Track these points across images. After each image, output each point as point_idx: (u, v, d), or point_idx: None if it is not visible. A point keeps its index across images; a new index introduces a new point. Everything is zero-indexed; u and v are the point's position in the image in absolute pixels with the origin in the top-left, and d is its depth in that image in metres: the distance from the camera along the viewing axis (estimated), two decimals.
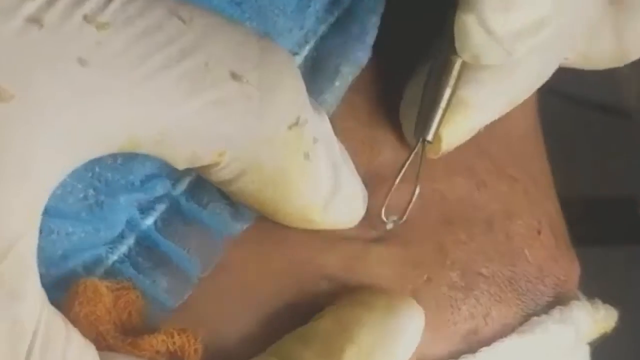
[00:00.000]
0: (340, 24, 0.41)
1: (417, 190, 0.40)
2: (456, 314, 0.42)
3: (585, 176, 0.93)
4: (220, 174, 0.36)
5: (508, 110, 0.41)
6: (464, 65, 0.40)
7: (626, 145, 0.93)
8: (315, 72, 0.40)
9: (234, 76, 0.34)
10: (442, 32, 0.40)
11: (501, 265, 0.43)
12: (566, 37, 0.40)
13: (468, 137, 0.41)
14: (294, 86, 0.36)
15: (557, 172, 0.49)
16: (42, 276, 0.34)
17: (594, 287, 0.47)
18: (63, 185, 0.36)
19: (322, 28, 0.41)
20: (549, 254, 0.45)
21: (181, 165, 0.35)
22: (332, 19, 0.41)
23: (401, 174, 0.40)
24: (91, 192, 0.37)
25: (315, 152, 0.37)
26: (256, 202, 0.37)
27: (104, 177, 0.37)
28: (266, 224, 0.40)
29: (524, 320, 0.43)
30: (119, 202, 0.38)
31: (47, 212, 0.34)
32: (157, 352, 0.37)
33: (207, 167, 0.36)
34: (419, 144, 0.40)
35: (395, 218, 0.41)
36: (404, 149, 0.42)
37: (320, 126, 0.38)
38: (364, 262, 0.41)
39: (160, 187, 0.39)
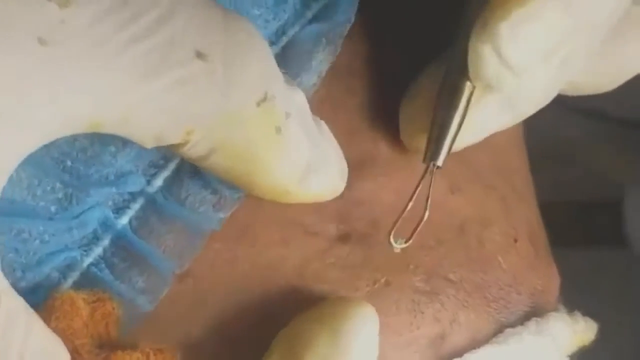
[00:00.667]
0: (319, 16, 0.41)
1: (426, 216, 0.40)
2: (419, 317, 0.41)
3: (569, 181, 0.93)
4: (191, 152, 0.36)
5: (514, 124, 0.42)
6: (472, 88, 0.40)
7: (612, 149, 0.93)
8: (291, 60, 0.40)
9: (199, 54, 0.34)
10: (450, 55, 0.40)
11: (470, 271, 0.43)
12: (574, 63, 0.40)
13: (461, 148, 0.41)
14: (260, 61, 0.36)
15: (542, 177, 0.49)
16: (18, 280, 0.36)
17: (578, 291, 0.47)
18: (29, 177, 0.36)
19: (301, 21, 0.41)
20: (526, 262, 0.44)
21: (149, 144, 0.35)
22: (310, 14, 0.41)
23: (412, 200, 0.40)
24: (58, 184, 0.37)
25: (287, 126, 0.37)
26: (231, 178, 0.37)
27: (76, 170, 0.37)
28: (237, 222, 0.40)
29: (498, 330, 0.43)
30: (89, 195, 0.37)
31: (15, 213, 0.35)
32: None
33: (176, 146, 0.35)
34: (430, 169, 0.40)
35: (403, 241, 0.40)
36: (392, 143, 0.42)
37: (292, 100, 0.37)
38: (322, 263, 0.41)
39: (133, 183, 0.38)
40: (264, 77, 0.36)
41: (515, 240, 0.44)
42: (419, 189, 0.40)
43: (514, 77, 0.38)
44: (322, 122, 0.39)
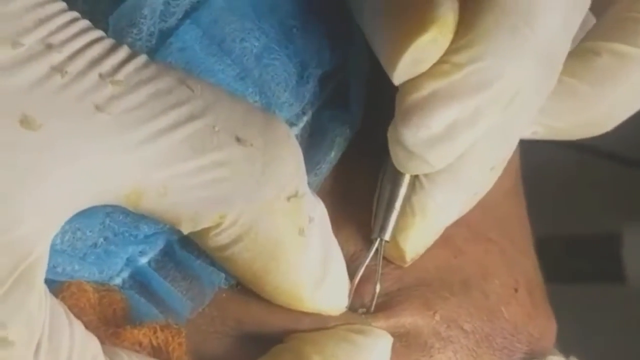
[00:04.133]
0: (334, 95, 0.43)
1: (378, 289, 0.42)
2: (427, 358, 0.42)
3: (567, 216, 0.93)
4: (218, 238, 0.37)
5: (475, 202, 0.42)
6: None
7: (609, 185, 0.93)
8: (312, 143, 0.42)
9: (239, 140, 0.36)
10: None
11: (480, 321, 0.43)
12: (510, 126, 0.40)
13: (434, 240, 0.42)
14: (295, 159, 0.38)
15: (540, 212, 0.49)
16: None
17: (575, 326, 0.47)
18: (74, 230, 0.38)
19: (319, 101, 0.43)
20: (525, 311, 0.45)
21: (185, 227, 0.37)
22: (326, 92, 0.43)
23: (360, 273, 0.41)
24: (101, 240, 0.39)
25: (310, 230, 0.38)
26: (247, 272, 0.39)
27: (112, 228, 0.39)
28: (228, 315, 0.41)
29: None
30: (127, 252, 0.39)
31: (54, 249, 0.36)
32: (140, 344, 0.38)
33: (207, 230, 0.37)
34: (377, 243, 0.42)
35: (364, 310, 0.42)
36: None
37: (316, 207, 0.39)
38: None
39: (162, 241, 0.40)
40: (297, 174, 0.38)
41: (516, 290, 0.45)
42: (366, 262, 0.41)
43: (418, 160, 0.39)
44: (334, 239, 0.41)
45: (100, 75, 0.35)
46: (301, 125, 0.42)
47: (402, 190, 0.41)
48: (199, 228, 0.37)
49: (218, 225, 0.37)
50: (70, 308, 0.37)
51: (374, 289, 0.41)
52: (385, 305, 0.42)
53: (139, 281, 0.40)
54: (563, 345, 0.47)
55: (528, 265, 0.47)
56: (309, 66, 0.42)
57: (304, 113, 0.42)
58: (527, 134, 0.44)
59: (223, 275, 0.41)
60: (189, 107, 0.36)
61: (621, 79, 0.42)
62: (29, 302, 0.34)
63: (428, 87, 0.38)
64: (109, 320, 0.38)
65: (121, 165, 0.35)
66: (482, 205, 0.43)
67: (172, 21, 0.40)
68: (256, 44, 0.41)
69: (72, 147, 0.34)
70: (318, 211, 0.39)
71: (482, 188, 0.42)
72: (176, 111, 0.35)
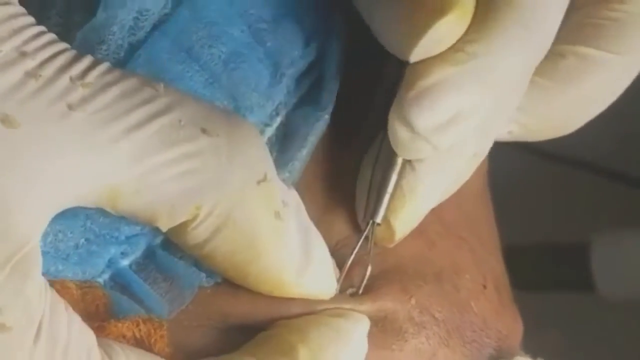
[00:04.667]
0: (308, 93, 0.44)
1: (369, 270, 0.43)
2: (402, 342, 0.43)
3: (536, 224, 0.94)
4: (197, 232, 0.38)
5: (454, 191, 0.44)
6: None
7: (578, 193, 0.94)
8: (285, 141, 0.43)
9: (205, 131, 0.37)
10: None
11: (451, 312, 0.44)
12: (497, 118, 0.42)
13: (419, 221, 0.44)
14: (259, 145, 0.39)
15: (509, 220, 0.50)
16: None
17: (544, 334, 0.48)
18: (55, 232, 0.39)
19: (293, 100, 0.44)
20: (493, 307, 0.46)
21: (163, 224, 0.38)
22: (301, 91, 0.44)
23: (352, 256, 0.42)
24: (83, 241, 0.40)
25: (285, 213, 0.39)
26: (229, 266, 0.39)
27: (93, 231, 0.40)
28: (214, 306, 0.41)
29: None
30: (109, 252, 0.40)
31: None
32: (124, 336, 0.38)
33: (185, 225, 0.38)
34: (369, 226, 0.43)
35: (353, 289, 0.43)
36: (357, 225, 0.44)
37: (288, 193, 0.40)
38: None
39: (144, 243, 0.41)
40: (263, 160, 0.39)
41: (484, 287, 0.46)
42: (358, 246, 0.42)
43: (424, 142, 0.40)
44: (314, 226, 0.41)
45: (71, 79, 0.36)
46: (275, 125, 0.43)
47: (395, 175, 0.42)
48: (176, 223, 0.38)
49: (195, 217, 0.38)
50: None
51: (365, 270, 0.42)
52: (369, 289, 0.43)
53: (119, 283, 0.41)
54: (532, 352, 0.48)
55: (496, 265, 0.48)
56: (280, 66, 0.42)
57: (277, 114, 0.43)
58: (504, 134, 0.45)
59: (203, 275, 0.41)
60: (155, 104, 0.37)
61: (584, 79, 0.44)
62: (27, 290, 0.35)
63: (440, 73, 0.39)
64: (92, 316, 0.38)
65: (96, 164, 0.36)
66: (455, 204, 0.45)
67: (140, 34, 0.41)
68: (223, 49, 0.41)
69: (50, 145, 0.35)
70: (291, 197, 0.40)
71: (463, 175, 0.44)
72: (143, 109, 0.37)
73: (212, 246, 0.39)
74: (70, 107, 0.36)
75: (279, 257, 0.39)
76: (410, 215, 0.43)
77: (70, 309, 0.37)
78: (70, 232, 0.39)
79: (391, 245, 0.43)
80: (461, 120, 0.40)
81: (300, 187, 0.42)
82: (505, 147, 0.46)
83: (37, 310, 0.35)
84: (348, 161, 0.45)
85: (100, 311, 0.39)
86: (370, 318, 0.42)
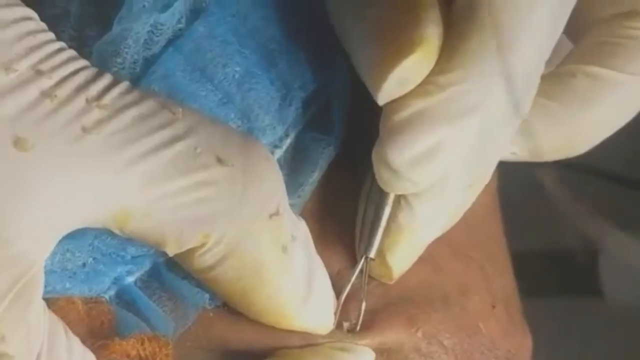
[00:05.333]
0: (317, 116, 0.44)
1: (364, 306, 0.42)
2: None
3: (544, 230, 0.94)
4: (203, 259, 0.38)
5: (457, 219, 0.43)
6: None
7: (586, 199, 0.93)
8: (294, 165, 0.43)
9: (220, 161, 0.37)
10: None
11: (459, 337, 0.44)
12: (488, 146, 0.41)
13: (416, 257, 0.43)
14: (275, 178, 0.39)
15: (517, 226, 0.50)
16: None
17: (553, 340, 0.48)
18: (64, 251, 0.39)
19: (301, 123, 0.43)
20: (502, 327, 0.46)
21: (171, 249, 0.38)
22: (309, 114, 0.44)
23: (346, 291, 0.42)
24: (90, 260, 0.40)
25: (293, 248, 0.39)
26: (233, 292, 0.39)
27: (100, 250, 0.40)
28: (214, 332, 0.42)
29: None
30: (115, 271, 0.40)
31: (46, 270, 0.37)
32: (128, 355, 0.38)
33: (192, 251, 0.38)
34: (362, 261, 0.42)
35: (349, 324, 0.42)
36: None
37: (298, 226, 0.40)
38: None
39: (149, 262, 0.41)
40: (277, 192, 0.39)
41: (493, 307, 0.46)
42: (352, 280, 0.42)
43: (403, 180, 0.39)
44: (319, 258, 0.41)
45: (87, 100, 0.36)
46: (284, 147, 0.43)
47: (387, 209, 0.41)
48: (184, 249, 0.38)
49: (203, 245, 0.37)
50: None
51: (360, 306, 0.42)
52: (371, 323, 0.42)
53: (124, 299, 0.41)
54: (540, 358, 0.48)
55: (505, 282, 0.47)
56: (291, 89, 0.42)
57: (286, 135, 0.43)
58: (507, 155, 0.44)
59: (207, 296, 0.41)
60: (172, 129, 0.37)
61: (595, 100, 0.43)
62: (29, 317, 0.35)
63: (413, 107, 0.39)
64: (97, 333, 0.39)
65: (109, 186, 0.36)
66: (463, 223, 0.44)
67: (155, 49, 0.41)
68: (237, 68, 0.41)
69: (62, 167, 0.35)
70: (301, 230, 0.40)
71: (462, 205, 0.43)
72: (160, 133, 0.36)
73: (217, 272, 0.39)
74: (85, 129, 0.35)
75: (282, 290, 0.39)
76: (407, 251, 0.42)
77: (70, 331, 0.37)
78: (78, 252, 0.39)
79: (391, 282, 0.43)
80: (440, 153, 0.39)
81: (304, 213, 0.42)
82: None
83: (37, 335, 0.35)
84: (352, 189, 0.44)
85: (105, 327, 0.39)
86: (376, 350, 0.42)
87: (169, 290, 0.41)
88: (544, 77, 0.41)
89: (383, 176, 0.40)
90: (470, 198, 0.43)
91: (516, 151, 0.44)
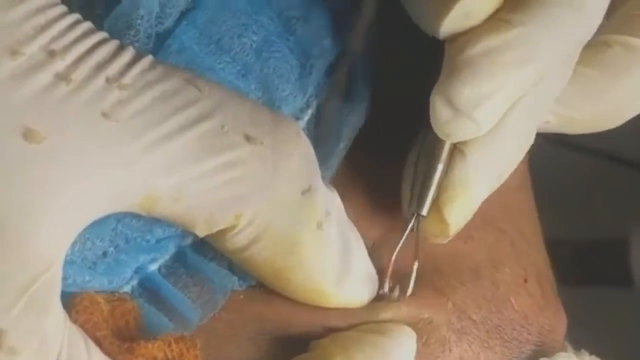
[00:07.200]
0: (340, 86, 0.43)
1: (416, 265, 0.41)
2: (447, 354, 0.42)
3: (575, 219, 0.93)
4: (236, 239, 0.37)
5: (505, 178, 0.42)
6: (454, 145, 0.41)
7: (617, 188, 0.93)
8: (318, 136, 0.42)
9: (249, 138, 0.36)
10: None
11: (489, 312, 0.43)
12: (544, 99, 0.41)
13: (473, 213, 0.42)
14: (306, 153, 0.38)
15: (548, 215, 0.49)
16: None
17: (583, 329, 0.47)
18: (83, 240, 0.37)
19: (323, 92, 0.42)
20: (535, 302, 0.45)
21: (200, 230, 0.36)
22: (331, 83, 0.42)
23: (396, 251, 0.41)
24: (112, 250, 0.38)
25: (328, 223, 0.38)
26: (269, 272, 0.38)
27: (124, 234, 0.38)
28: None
29: None
30: (137, 260, 0.39)
31: (65, 261, 0.35)
32: (154, 358, 0.37)
33: (223, 232, 0.36)
34: (414, 220, 0.41)
35: (398, 292, 0.42)
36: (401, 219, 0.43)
37: (332, 201, 0.39)
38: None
39: (173, 246, 0.40)
40: (308, 169, 0.38)
41: (525, 281, 0.45)
42: (403, 239, 0.41)
43: (466, 120, 0.38)
44: (355, 229, 0.40)
45: (107, 80, 0.34)
46: (306, 118, 0.42)
47: (441, 165, 0.41)
48: (214, 230, 0.36)
49: (234, 226, 0.36)
50: (84, 323, 0.36)
51: (412, 268, 0.41)
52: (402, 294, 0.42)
53: (148, 288, 0.40)
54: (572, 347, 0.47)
55: (538, 258, 0.46)
56: (311, 57, 0.41)
57: (308, 106, 0.42)
58: (541, 124, 0.44)
59: (236, 278, 0.40)
60: (197, 107, 0.35)
61: (631, 70, 0.43)
62: (45, 326, 0.33)
63: (480, 45, 0.38)
64: (122, 333, 0.37)
65: (132, 173, 0.34)
66: (494, 196, 0.43)
67: (168, 23, 0.39)
68: (255, 38, 0.40)
69: (80, 158, 0.33)
70: (335, 204, 0.39)
71: (514, 160, 0.42)
72: (184, 113, 0.35)
73: (251, 253, 0.37)
74: (105, 114, 0.33)
75: (319, 266, 0.38)
76: (465, 206, 0.41)
77: (90, 342, 0.35)
78: (100, 240, 0.38)
79: (445, 241, 0.42)
80: (504, 94, 0.38)
81: (337, 186, 0.41)
82: (545, 142, 0.45)
83: (54, 348, 0.33)
84: (387, 159, 0.43)
85: (130, 327, 0.38)
86: (411, 326, 0.41)
87: (195, 275, 0.40)
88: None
89: (442, 117, 0.38)
90: (520, 156, 0.42)
91: (551, 119, 0.44)
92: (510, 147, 0.41)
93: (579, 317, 0.49)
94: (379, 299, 0.41)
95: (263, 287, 0.40)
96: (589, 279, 0.95)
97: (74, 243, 0.36)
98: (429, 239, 0.42)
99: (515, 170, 0.43)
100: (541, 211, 0.49)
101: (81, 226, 0.34)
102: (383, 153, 0.44)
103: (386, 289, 0.41)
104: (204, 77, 0.37)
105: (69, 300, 0.36)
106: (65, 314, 0.34)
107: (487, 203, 0.43)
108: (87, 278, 0.37)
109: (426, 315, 0.42)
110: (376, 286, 0.41)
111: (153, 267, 0.40)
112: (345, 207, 0.40)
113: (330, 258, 0.38)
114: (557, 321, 0.46)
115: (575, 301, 0.49)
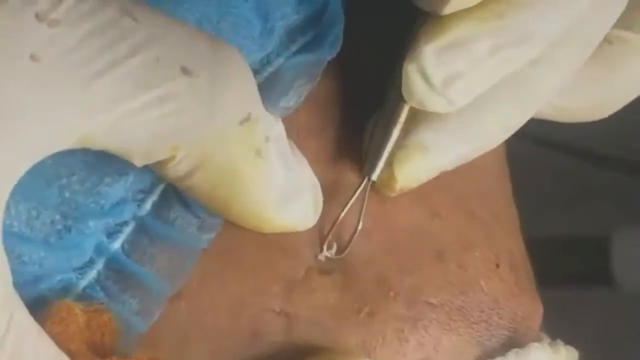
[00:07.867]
0: (304, 48, 0.42)
1: (359, 227, 0.41)
2: (405, 345, 0.42)
3: (556, 218, 0.94)
4: (175, 170, 0.36)
5: (476, 156, 0.42)
6: (420, 110, 0.40)
7: (597, 185, 0.93)
8: (274, 90, 0.41)
9: (185, 71, 0.35)
10: (392, 78, 0.41)
11: (450, 294, 0.43)
12: (533, 89, 0.41)
13: (428, 178, 0.42)
14: (245, 82, 0.37)
15: (529, 213, 0.49)
16: None
17: (562, 328, 0.47)
18: (28, 210, 0.37)
19: (285, 53, 0.42)
20: (507, 288, 0.45)
21: (138, 161, 0.36)
22: (295, 47, 0.42)
23: (345, 210, 0.41)
24: (58, 217, 0.38)
25: (267, 150, 0.38)
26: (210, 200, 0.38)
27: (74, 201, 0.38)
28: (221, 243, 0.41)
29: (481, 353, 0.43)
30: (88, 226, 0.38)
31: (16, 236, 0.36)
32: None
33: (163, 162, 0.36)
34: (364, 183, 0.41)
35: (332, 252, 0.42)
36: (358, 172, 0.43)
37: (272, 126, 0.38)
38: (307, 288, 0.41)
39: (128, 211, 0.39)
40: (247, 98, 0.37)
41: (497, 266, 0.44)
42: (352, 201, 0.41)
43: (438, 96, 0.39)
44: (298, 151, 0.40)
45: (37, 16, 0.33)
46: (265, 74, 0.41)
47: (397, 129, 0.41)
48: (152, 161, 0.36)
49: (172, 157, 0.36)
50: (59, 335, 0.36)
51: (355, 228, 0.41)
52: (346, 266, 0.42)
53: (114, 269, 0.39)
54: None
55: (511, 244, 0.46)
56: (270, 18, 0.41)
57: (268, 62, 0.41)
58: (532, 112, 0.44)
59: (205, 237, 0.40)
60: (132, 39, 0.34)
61: (625, 62, 0.44)
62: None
63: (463, 27, 0.38)
64: (97, 347, 0.37)
65: (66, 113, 0.33)
66: (470, 176, 0.44)
67: None
68: None
69: (9, 105, 0.32)
70: (275, 130, 0.39)
71: (487, 143, 0.42)
72: (117, 47, 0.34)
73: (192, 182, 0.37)
74: (34, 57, 0.33)
75: (260, 193, 0.38)
76: (417, 167, 0.41)
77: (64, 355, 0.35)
78: (44, 208, 0.37)
79: (393, 194, 0.42)
80: (481, 74, 0.39)
81: (310, 134, 0.41)
82: (526, 140, 0.45)
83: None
84: (359, 114, 0.43)
85: (105, 340, 0.38)
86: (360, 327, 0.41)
87: (160, 242, 0.40)
88: None
89: (414, 88, 0.39)
90: (498, 140, 0.42)
91: (543, 107, 0.44)
92: (489, 126, 0.41)
93: (559, 316, 0.49)
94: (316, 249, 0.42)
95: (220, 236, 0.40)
96: (569, 278, 0.95)
97: (20, 213, 0.36)
98: (379, 188, 0.42)
99: (495, 157, 0.44)
100: (522, 209, 0.48)
101: (16, 173, 0.34)
102: (354, 108, 0.43)
103: (325, 250, 0.41)
104: (142, 4, 0.35)
105: (45, 310, 0.36)
106: (15, 295, 0.34)
107: (461, 185, 0.43)
108: (42, 254, 0.37)
109: (367, 307, 0.42)
110: (321, 205, 0.41)
111: (116, 246, 0.39)
112: (314, 158, 0.40)
113: (270, 184, 0.38)
114: (532, 310, 0.46)
115: (554, 301, 0.49)
